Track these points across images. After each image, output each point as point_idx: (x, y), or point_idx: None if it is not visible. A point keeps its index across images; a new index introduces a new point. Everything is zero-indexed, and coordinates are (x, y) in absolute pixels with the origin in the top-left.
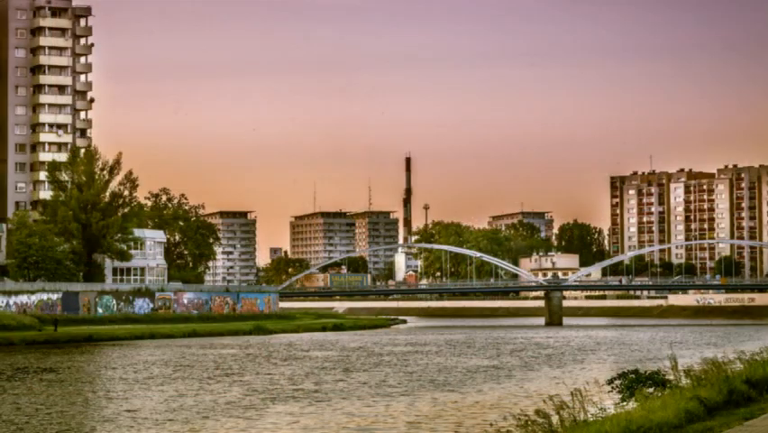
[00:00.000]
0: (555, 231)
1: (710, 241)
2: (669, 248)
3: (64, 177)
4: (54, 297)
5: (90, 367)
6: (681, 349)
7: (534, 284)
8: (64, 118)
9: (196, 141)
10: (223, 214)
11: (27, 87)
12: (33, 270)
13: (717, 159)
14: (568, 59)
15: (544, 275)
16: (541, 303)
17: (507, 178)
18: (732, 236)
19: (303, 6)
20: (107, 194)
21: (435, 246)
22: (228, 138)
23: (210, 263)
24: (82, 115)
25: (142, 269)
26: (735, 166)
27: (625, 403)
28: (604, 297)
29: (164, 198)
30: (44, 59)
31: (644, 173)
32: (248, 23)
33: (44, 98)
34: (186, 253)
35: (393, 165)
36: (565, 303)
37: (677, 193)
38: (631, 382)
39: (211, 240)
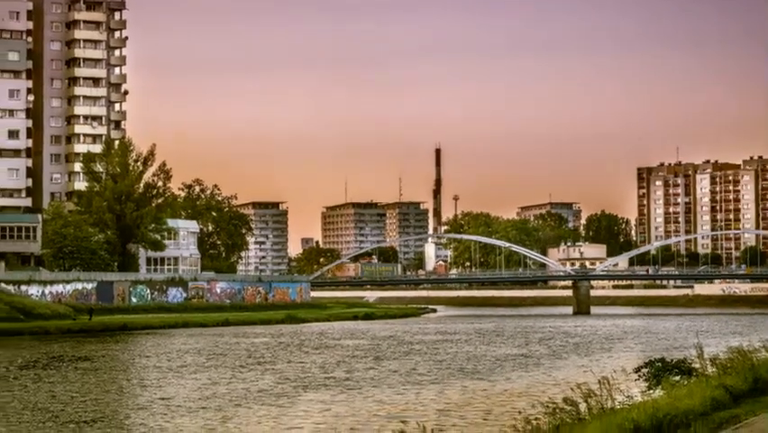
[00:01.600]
0: (583, 221)
1: (736, 231)
2: (695, 238)
3: (99, 168)
4: (89, 286)
5: (124, 356)
6: (706, 338)
7: (562, 274)
8: (98, 110)
9: (229, 133)
10: (255, 204)
11: (62, 79)
12: (68, 260)
13: (743, 150)
14: (596, 51)
15: (572, 265)
16: (569, 292)
17: (535, 169)
18: (757, 226)
19: (333, 0)
20: (141, 185)
21: (465, 237)
22: (260, 130)
23: (243, 253)
24: (116, 107)
25: (176, 259)
26: (760, 157)
27: (651, 391)
28: (631, 286)
29: (197, 188)
30: (79, 52)
31: (670, 164)
32: (280, 18)
33: (79, 91)
34: (219, 243)
35: (423, 157)
36: (593, 292)
37: (703, 184)
38: (658, 371)
39: (243, 230)
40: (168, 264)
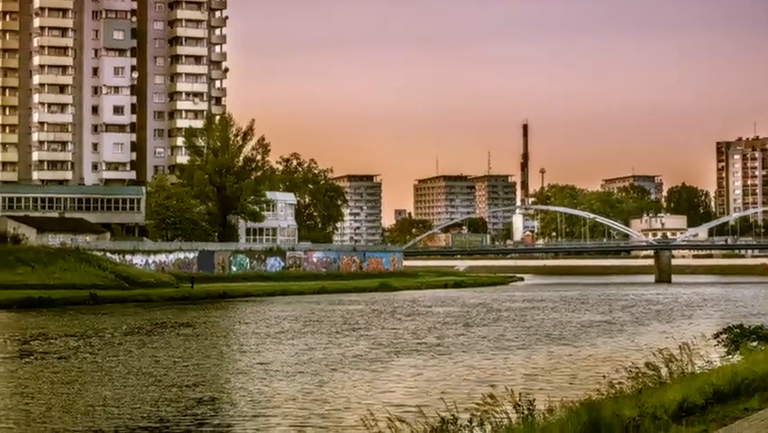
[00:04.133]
0: (664, 193)
1: None
2: None
3: (200, 142)
4: (191, 256)
5: (224, 322)
6: None
7: (644, 244)
8: (200, 87)
9: (326, 108)
10: (350, 177)
11: (165, 57)
12: (171, 230)
13: None
14: (676, 29)
15: (654, 235)
16: (651, 262)
17: (619, 143)
18: None
19: None
20: (241, 159)
21: (551, 208)
22: (355, 106)
23: (338, 224)
24: (217, 84)
25: (274, 229)
26: None
27: (730, 357)
28: (710, 256)
29: (295, 162)
30: (181, 32)
31: (748, 139)
32: None
33: (181, 68)
34: (315, 214)
35: (511, 131)
36: (674, 262)
37: None
38: (736, 337)
39: (339, 202)
40: (266, 235)
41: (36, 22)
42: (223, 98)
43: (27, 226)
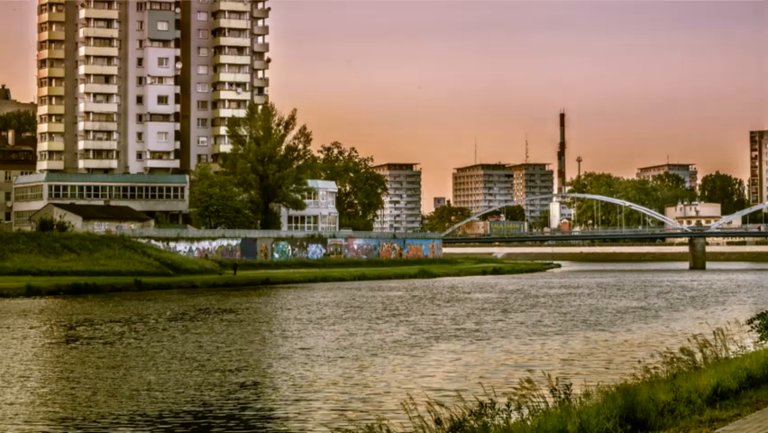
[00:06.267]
0: (699, 182)
1: None
2: None
3: (243, 131)
4: (233, 243)
5: (267, 308)
6: None
7: (679, 231)
8: (243, 77)
9: (366, 98)
10: (390, 166)
11: (209, 48)
12: (214, 218)
13: None
14: (711, 18)
15: (689, 223)
16: (685, 249)
17: (654, 132)
18: None
19: None
20: (283, 147)
21: (587, 196)
22: (395, 96)
23: (378, 212)
24: (259, 74)
25: (315, 217)
26: None
27: (763, 342)
28: (744, 243)
29: (336, 151)
30: (224, 23)
31: None
32: None
33: (224, 59)
34: (356, 202)
35: (549, 120)
36: (708, 249)
37: None
38: None
39: (379, 190)
40: (308, 222)
41: (82, 13)
42: (265, 88)
43: (73, 214)
